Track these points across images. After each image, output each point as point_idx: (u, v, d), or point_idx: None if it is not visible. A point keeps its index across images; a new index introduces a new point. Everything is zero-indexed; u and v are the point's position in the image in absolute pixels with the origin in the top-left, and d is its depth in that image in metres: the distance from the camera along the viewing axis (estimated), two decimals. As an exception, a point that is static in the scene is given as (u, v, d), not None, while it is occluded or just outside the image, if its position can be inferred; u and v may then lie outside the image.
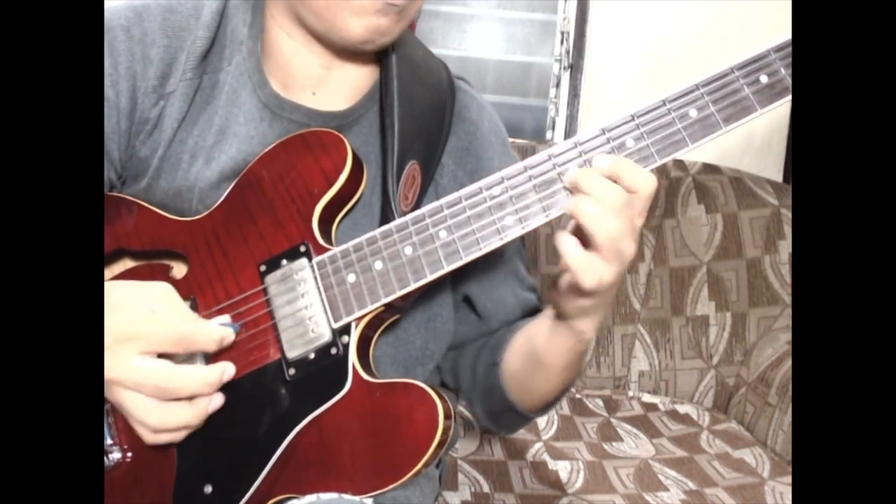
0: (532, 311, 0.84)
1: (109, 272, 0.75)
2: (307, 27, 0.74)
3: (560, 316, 0.68)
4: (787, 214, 1.69)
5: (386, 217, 0.72)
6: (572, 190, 0.62)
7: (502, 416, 0.81)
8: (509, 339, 0.78)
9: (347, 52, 0.76)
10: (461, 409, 1.52)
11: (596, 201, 0.59)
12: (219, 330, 0.66)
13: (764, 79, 0.62)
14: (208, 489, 0.67)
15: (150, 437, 0.65)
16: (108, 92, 0.72)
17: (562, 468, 1.33)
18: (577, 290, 0.63)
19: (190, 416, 0.64)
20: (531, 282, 0.87)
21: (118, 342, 0.61)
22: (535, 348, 0.73)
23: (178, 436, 0.65)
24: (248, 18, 0.77)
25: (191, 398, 0.64)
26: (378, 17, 0.69)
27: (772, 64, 0.62)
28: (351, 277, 0.68)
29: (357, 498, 0.65)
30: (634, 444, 1.45)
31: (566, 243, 0.61)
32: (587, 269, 0.60)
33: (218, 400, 0.66)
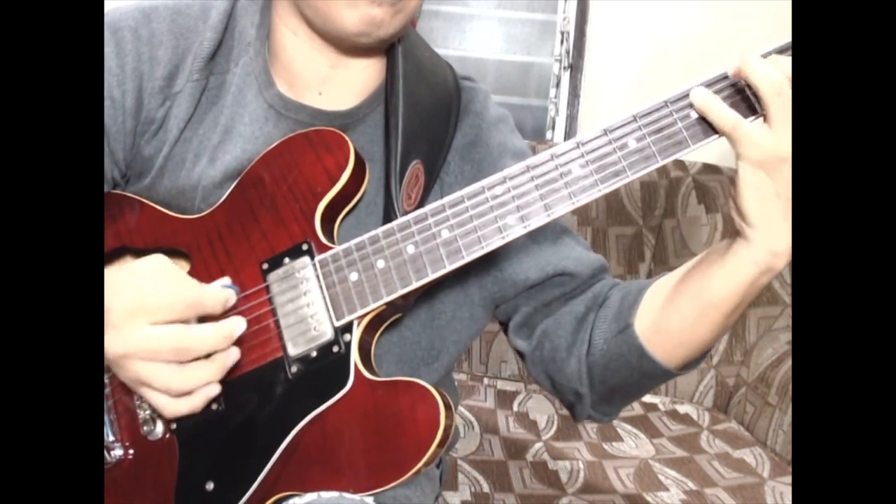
0: (605, 269, 0.81)
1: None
2: (309, 23, 0.74)
3: (745, 231, 0.63)
4: (786, 215, 1.70)
5: (389, 216, 0.72)
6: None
7: (629, 389, 0.76)
8: (640, 298, 0.72)
9: (352, 51, 0.76)
10: (461, 409, 1.52)
11: (760, 60, 0.59)
12: (223, 292, 0.66)
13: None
14: (210, 486, 0.67)
15: (172, 407, 0.64)
16: (115, 92, 0.72)
17: (562, 468, 1.33)
18: (750, 167, 0.60)
19: (210, 373, 0.64)
20: (586, 243, 0.83)
21: (126, 317, 0.60)
22: (703, 290, 0.67)
23: (199, 400, 0.65)
24: (256, 20, 0.77)
25: (208, 356, 0.64)
26: (371, 7, 0.69)
27: (773, 64, 0.62)
28: (353, 276, 0.68)
29: (358, 496, 0.65)
30: (634, 444, 1.46)
31: (717, 106, 0.60)
32: (749, 130, 0.59)
33: (234, 354, 0.66)
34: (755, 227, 0.62)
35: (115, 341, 0.61)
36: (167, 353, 0.61)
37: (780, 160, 0.59)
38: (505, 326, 0.85)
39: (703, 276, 0.67)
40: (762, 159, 0.59)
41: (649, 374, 0.72)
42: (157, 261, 0.65)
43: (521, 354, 0.84)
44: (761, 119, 0.60)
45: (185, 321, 0.64)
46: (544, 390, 0.83)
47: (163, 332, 0.61)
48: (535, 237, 0.79)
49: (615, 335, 0.73)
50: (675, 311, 0.69)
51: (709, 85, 0.62)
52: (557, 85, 2.10)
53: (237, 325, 0.66)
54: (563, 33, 2.08)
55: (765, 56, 0.61)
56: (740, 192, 0.61)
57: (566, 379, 0.78)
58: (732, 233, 0.65)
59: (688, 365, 0.72)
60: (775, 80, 0.58)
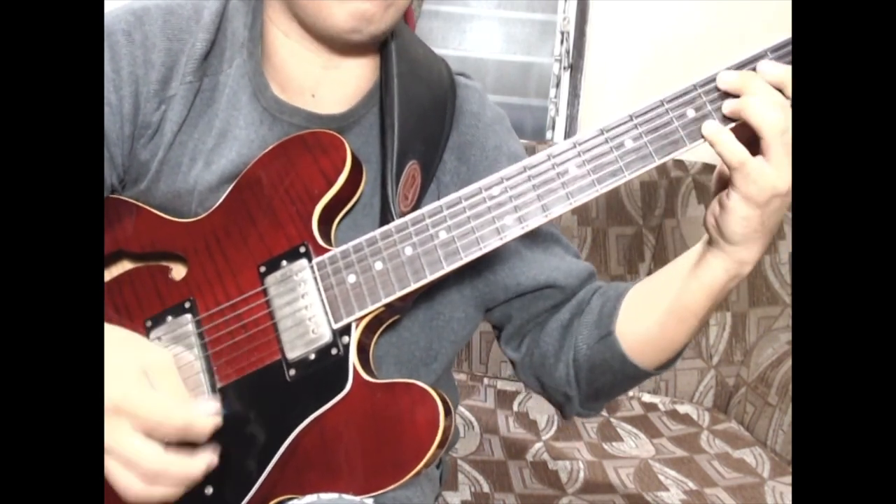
0: (593, 276, 0.82)
1: (108, 274, 0.75)
2: (300, 22, 0.73)
3: (720, 243, 0.65)
4: (786, 214, 1.69)
5: (385, 217, 0.72)
6: (733, 93, 0.61)
7: (613, 390, 0.80)
8: (618, 305, 0.75)
9: (344, 50, 0.75)
10: (461, 409, 1.52)
11: (761, 99, 0.59)
12: (211, 421, 0.64)
13: (762, 78, 0.62)
14: (209, 491, 0.67)
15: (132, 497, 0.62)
16: (111, 97, 0.72)
17: (562, 468, 1.33)
18: (744, 201, 0.61)
19: (170, 495, 0.62)
20: (575, 249, 0.85)
21: (114, 413, 0.59)
22: (678, 297, 0.70)
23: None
24: (248, 20, 0.77)
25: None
26: (362, 2, 0.68)
27: (769, 63, 0.62)
28: (351, 278, 0.68)
29: (358, 498, 0.65)
30: (634, 444, 1.45)
31: (727, 141, 0.60)
32: (754, 167, 0.59)
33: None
34: (734, 245, 0.64)
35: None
36: (140, 470, 0.60)
37: (776, 195, 0.60)
38: (498, 333, 0.87)
39: (679, 287, 0.70)
40: (758, 195, 0.60)
41: (631, 376, 0.76)
42: (162, 359, 0.65)
43: (512, 362, 0.86)
44: (760, 157, 0.60)
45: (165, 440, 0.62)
46: (534, 392, 0.86)
47: (145, 450, 0.60)
48: (528, 244, 0.81)
49: (597, 341, 0.76)
50: (654, 321, 0.72)
51: (703, 84, 0.62)
52: (557, 85, 2.10)
53: (209, 465, 0.64)
54: (563, 33, 2.08)
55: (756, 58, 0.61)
56: (728, 219, 0.63)
57: (555, 383, 0.80)
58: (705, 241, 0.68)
59: (666, 364, 0.76)
60: (778, 121, 0.58)
